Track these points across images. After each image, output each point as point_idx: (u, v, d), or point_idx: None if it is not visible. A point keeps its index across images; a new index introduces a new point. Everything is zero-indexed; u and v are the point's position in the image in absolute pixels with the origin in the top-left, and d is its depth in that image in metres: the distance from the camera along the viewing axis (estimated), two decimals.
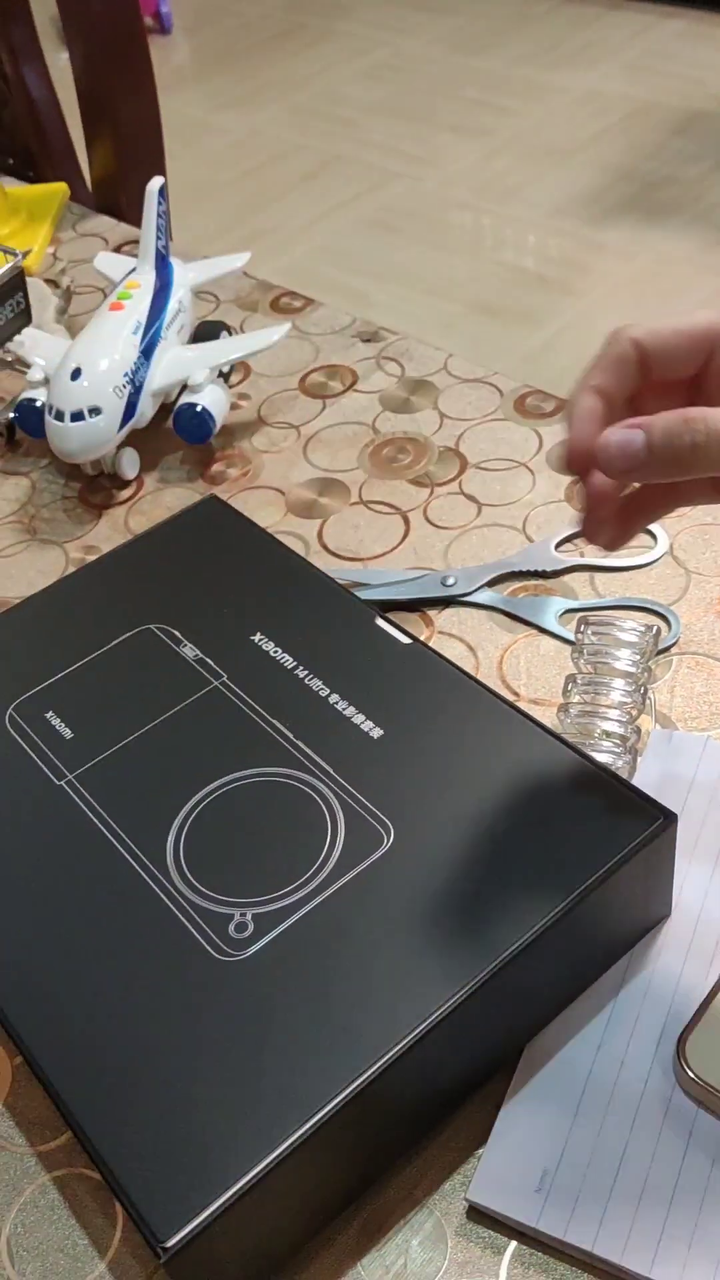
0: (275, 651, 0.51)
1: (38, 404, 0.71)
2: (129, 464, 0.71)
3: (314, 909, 0.41)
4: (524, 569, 0.61)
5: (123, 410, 0.68)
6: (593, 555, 0.62)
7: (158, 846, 0.44)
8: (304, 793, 0.45)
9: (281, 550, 0.56)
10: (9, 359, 0.79)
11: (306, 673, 0.49)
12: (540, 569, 0.61)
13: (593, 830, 0.42)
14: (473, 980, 0.38)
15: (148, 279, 0.74)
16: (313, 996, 0.39)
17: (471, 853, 0.42)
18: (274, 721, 0.48)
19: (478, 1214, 0.40)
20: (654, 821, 0.42)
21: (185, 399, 0.70)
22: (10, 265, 0.72)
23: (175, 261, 0.77)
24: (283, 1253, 0.39)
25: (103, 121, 0.97)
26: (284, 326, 0.73)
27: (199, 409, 0.70)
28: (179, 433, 0.71)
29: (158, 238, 0.75)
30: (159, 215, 0.74)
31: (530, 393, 0.73)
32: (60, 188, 0.98)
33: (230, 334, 0.77)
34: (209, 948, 0.40)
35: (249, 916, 0.41)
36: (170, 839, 0.44)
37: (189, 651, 0.51)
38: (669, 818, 0.42)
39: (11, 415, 0.74)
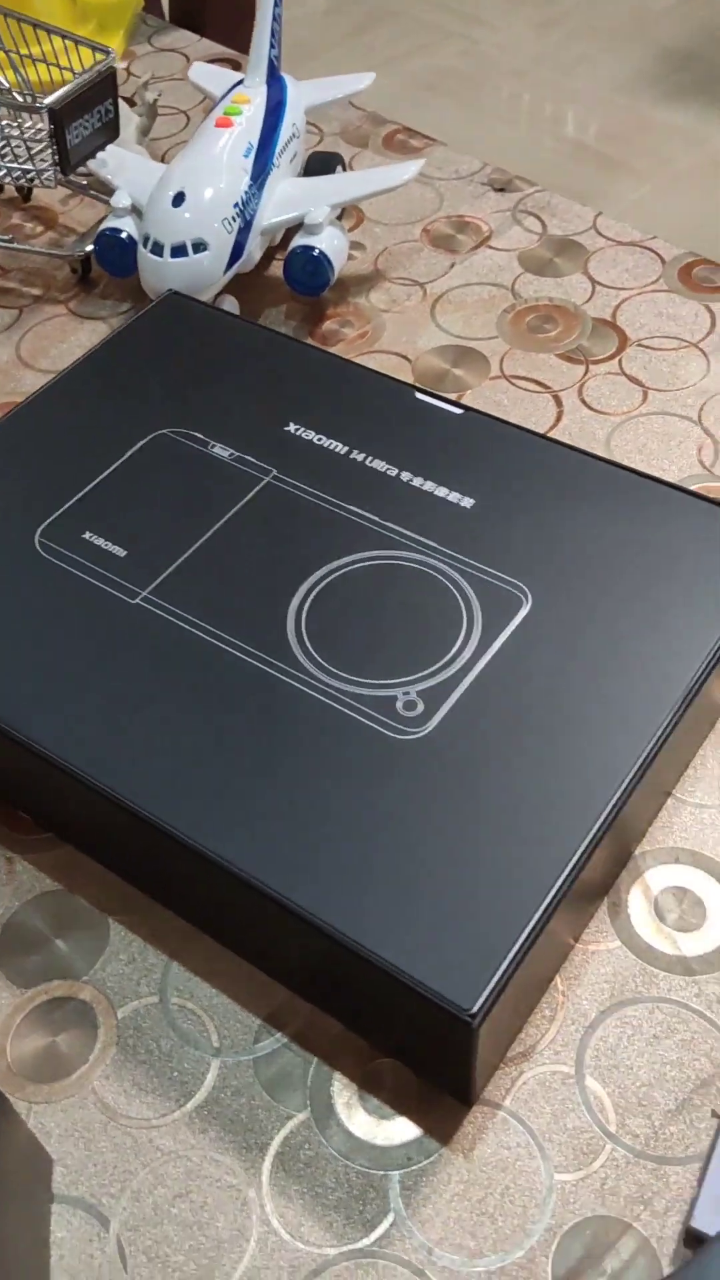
0: (319, 439, 0.47)
1: (123, 235, 0.60)
2: (232, 310, 0.61)
3: (478, 676, 0.39)
4: None
5: (230, 248, 0.58)
6: None
7: (281, 646, 0.40)
8: (418, 570, 0.42)
9: (279, 338, 0.53)
10: (84, 181, 0.68)
11: (364, 455, 0.47)
12: None
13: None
14: (668, 714, 0.38)
15: (259, 93, 0.63)
16: (512, 756, 0.37)
17: (615, 600, 0.41)
18: (350, 507, 0.45)
19: (700, 1243, 0.33)
20: None
21: (300, 241, 0.60)
22: (100, 65, 0.61)
23: (287, 77, 0.66)
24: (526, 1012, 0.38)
25: None
26: (416, 163, 0.62)
27: (316, 253, 0.60)
28: (289, 281, 0.61)
29: (270, 45, 0.64)
30: (274, 18, 0.63)
31: (698, 262, 0.63)
32: None
33: (345, 170, 0.67)
34: (385, 730, 0.38)
35: (414, 694, 0.39)
36: (291, 637, 0.41)
37: (221, 452, 0.47)
38: None
39: (90, 248, 0.63)
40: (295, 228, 0.62)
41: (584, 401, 0.57)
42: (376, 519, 0.44)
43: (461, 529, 0.44)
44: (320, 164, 0.66)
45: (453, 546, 0.43)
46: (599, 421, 0.56)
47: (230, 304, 0.61)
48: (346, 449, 0.47)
